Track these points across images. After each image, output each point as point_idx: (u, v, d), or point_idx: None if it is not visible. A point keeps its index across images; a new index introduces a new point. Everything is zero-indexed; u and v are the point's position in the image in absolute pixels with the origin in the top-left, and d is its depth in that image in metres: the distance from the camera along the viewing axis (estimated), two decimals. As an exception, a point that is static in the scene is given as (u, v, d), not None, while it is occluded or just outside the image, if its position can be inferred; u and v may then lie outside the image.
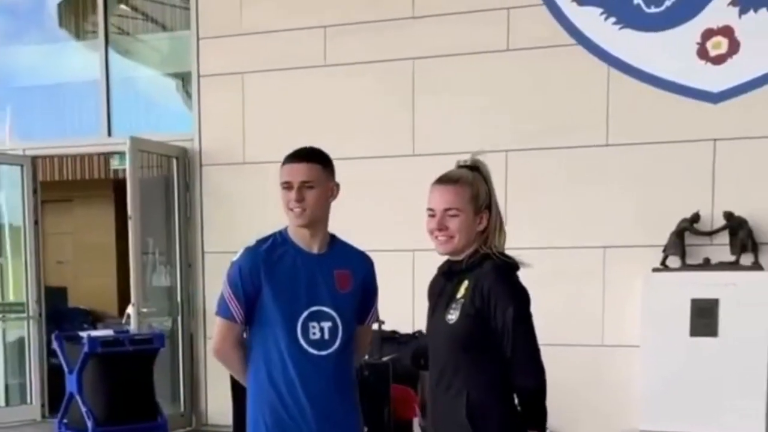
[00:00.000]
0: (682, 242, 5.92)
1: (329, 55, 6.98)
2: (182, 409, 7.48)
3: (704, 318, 5.75)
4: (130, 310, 7.17)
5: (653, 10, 6.20)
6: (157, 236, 7.50)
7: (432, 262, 6.31)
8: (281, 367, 3.59)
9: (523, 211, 6.34)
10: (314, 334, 3.59)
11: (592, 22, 6.34)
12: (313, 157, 3.60)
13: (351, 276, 3.65)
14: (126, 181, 7.11)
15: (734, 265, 5.82)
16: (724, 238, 5.90)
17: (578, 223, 6.21)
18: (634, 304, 5.97)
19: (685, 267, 5.90)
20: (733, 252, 5.85)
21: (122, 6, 8.24)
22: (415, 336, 6.43)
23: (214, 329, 3.69)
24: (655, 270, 5.96)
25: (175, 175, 7.44)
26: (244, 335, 3.67)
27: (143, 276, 7.23)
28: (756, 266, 5.77)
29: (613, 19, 6.30)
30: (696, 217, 5.92)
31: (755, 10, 5.97)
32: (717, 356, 5.72)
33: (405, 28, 6.77)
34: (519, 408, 3.19)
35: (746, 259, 5.82)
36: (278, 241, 3.63)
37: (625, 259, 6.15)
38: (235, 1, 7.23)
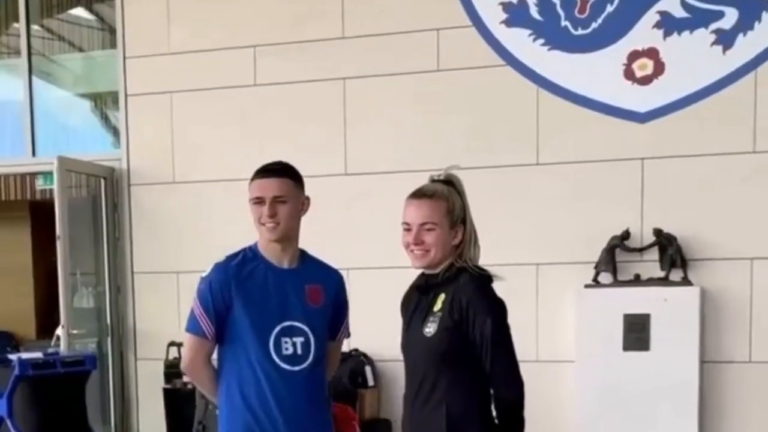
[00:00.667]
0: (613, 259, 6.07)
1: (259, 74, 6.99)
2: (113, 430, 7.40)
3: (636, 333, 5.90)
4: (59, 331, 7.09)
5: (580, 32, 6.34)
6: (81, 257, 7.44)
7: (367, 280, 6.41)
8: (254, 382, 3.62)
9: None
10: (287, 349, 3.64)
11: (521, 43, 6.46)
12: (284, 172, 3.66)
13: (322, 291, 3.71)
14: (45, 201, 7.05)
15: (664, 281, 5.98)
16: (654, 254, 6.05)
17: (511, 241, 6.31)
18: (568, 319, 6.10)
19: (617, 283, 6.04)
20: (662, 268, 6.01)
21: (35, 27, 8.15)
22: (352, 354, 6.48)
23: (183, 346, 3.68)
24: (587, 286, 6.10)
25: (102, 195, 7.37)
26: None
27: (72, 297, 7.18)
28: (685, 282, 5.93)
29: (541, 41, 6.42)
30: (626, 234, 6.06)
31: (679, 33, 6.14)
32: (649, 369, 5.87)
33: (335, 48, 6.81)
34: (496, 420, 3.26)
35: (676, 274, 5.98)
36: (248, 256, 3.67)
37: (558, 275, 6.27)
38: (163, 20, 7.19)
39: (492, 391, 3.30)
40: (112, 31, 7.65)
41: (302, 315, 3.67)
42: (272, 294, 3.63)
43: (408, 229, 3.40)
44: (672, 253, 5.97)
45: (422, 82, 6.63)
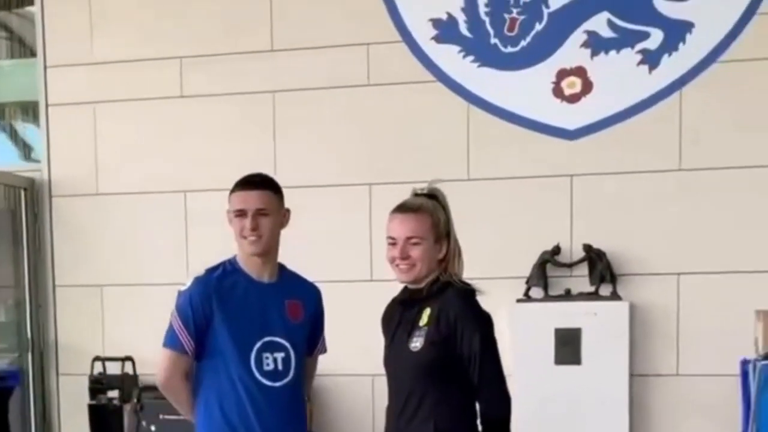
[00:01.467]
0: (545, 274, 6.18)
1: (185, 86, 6.94)
2: (35, 447, 7.29)
3: (567, 347, 6.02)
4: (-20, 347, 6.96)
5: (510, 49, 6.44)
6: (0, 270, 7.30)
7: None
8: (234, 398, 3.60)
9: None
10: (268, 365, 3.63)
11: (451, 59, 6.53)
12: (266, 184, 3.66)
13: (302, 306, 3.71)
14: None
15: (594, 296, 6.11)
16: (584, 269, 6.18)
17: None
18: (502, 334, 6.18)
19: (548, 298, 6.16)
20: (592, 283, 6.14)
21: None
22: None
23: (160, 362, 3.64)
24: (519, 301, 6.20)
25: (23, 207, 7.23)
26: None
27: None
28: (615, 296, 6.08)
29: (471, 57, 6.50)
30: (557, 250, 6.18)
31: (606, 52, 6.28)
32: (581, 383, 6.00)
33: (264, 60, 6.80)
34: None
35: (605, 289, 6.12)
36: (228, 270, 3.65)
37: (491, 290, 6.31)
38: (85, 29, 7.08)
39: (478, 407, 3.35)
40: (20, 40, 7.52)
41: (283, 330, 3.66)
42: (253, 308, 3.62)
43: (393, 244, 3.43)
44: (601, 269, 6.10)
45: (353, 96, 6.65)
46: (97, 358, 6.88)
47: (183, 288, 3.65)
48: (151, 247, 7.00)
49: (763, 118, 6.02)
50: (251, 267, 3.67)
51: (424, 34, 6.57)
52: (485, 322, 3.39)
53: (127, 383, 6.73)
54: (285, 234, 6.66)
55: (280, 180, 6.78)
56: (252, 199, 3.66)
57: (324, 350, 3.95)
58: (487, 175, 6.43)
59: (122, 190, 7.07)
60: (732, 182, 6.03)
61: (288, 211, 3.75)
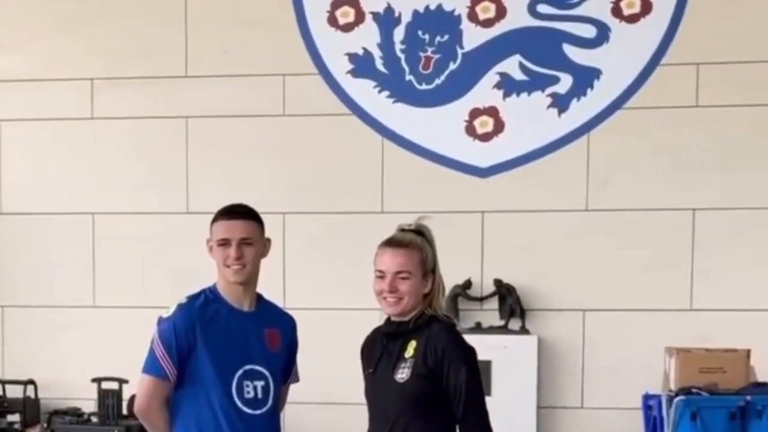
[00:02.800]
0: (456, 307, 6.36)
1: (96, 108, 6.89)
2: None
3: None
4: None
5: (424, 87, 6.62)
6: None
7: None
8: (215, 426, 3.64)
9: (300, 272, 6.62)
10: (248, 393, 3.68)
11: (366, 94, 6.67)
12: (250, 214, 3.73)
13: (280, 335, 3.78)
14: None
15: (504, 329, 6.33)
16: (494, 303, 6.40)
17: (355, 287, 6.47)
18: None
19: (459, 330, 6.33)
20: (502, 317, 6.37)
21: None
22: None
23: (138, 389, 3.66)
24: (431, 333, 6.35)
25: None
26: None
27: None
28: (524, 330, 6.31)
29: (386, 93, 6.66)
30: (468, 284, 6.38)
31: (517, 94, 6.52)
32: (491, 414, 6.16)
33: (178, 85, 6.81)
34: None
35: (515, 323, 6.35)
36: (210, 298, 3.69)
37: (403, 322, 6.50)
38: (-8, 46, 7.00)
39: None
40: None
41: (263, 359, 3.72)
42: (234, 337, 3.66)
43: (381, 277, 3.53)
44: (511, 303, 6.33)
45: (267, 125, 6.72)
46: (-4, 381, 6.78)
47: (166, 315, 3.67)
48: (56, 269, 6.92)
49: (665, 163, 6.34)
50: (232, 296, 3.72)
51: (339, 68, 6.71)
52: (471, 354, 3.52)
53: (30, 407, 6.63)
54: (195, 259, 6.76)
55: (194, 205, 6.90)
56: (236, 228, 3.72)
57: (297, 379, 4.03)
58: (400, 208, 6.54)
59: (27, 210, 6.97)
60: (636, 224, 6.33)
61: (269, 240, 3.83)
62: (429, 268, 3.55)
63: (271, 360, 3.76)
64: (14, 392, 6.74)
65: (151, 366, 3.65)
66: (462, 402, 3.43)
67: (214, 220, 3.79)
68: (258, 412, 3.71)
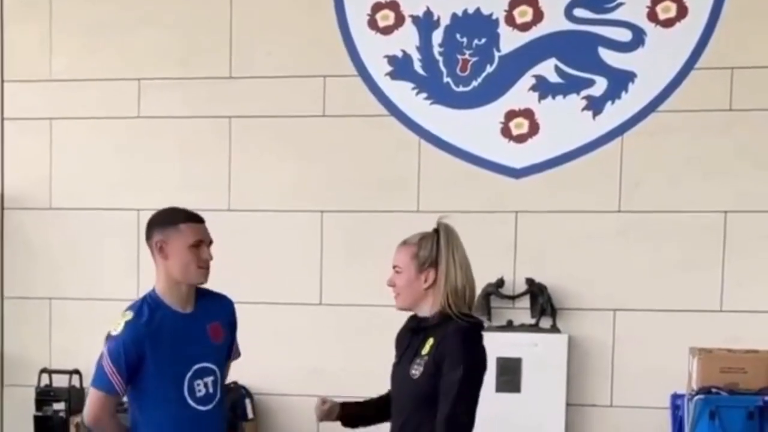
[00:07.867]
0: (488, 305, 6.47)
1: (143, 107, 7.09)
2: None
3: (508, 375, 6.32)
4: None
5: (461, 89, 6.73)
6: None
7: (247, 315, 6.44)
8: (171, 427, 3.74)
9: (337, 269, 6.77)
10: (200, 391, 3.78)
11: (405, 96, 6.80)
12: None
13: (221, 326, 3.88)
14: None
15: (535, 327, 6.43)
16: (526, 302, 6.49)
17: (390, 284, 6.62)
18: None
19: (491, 328, 6.42)
20: (533, 315, 6.46)
21: None
22: (232, 387, 6.64)
23: (88, 401, 3.78)
24: (463, 330, 6.46)
25: (-26, 218, 7.31)
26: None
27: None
28: (554, 329, 6.40)
29: (424, 95, 6.78)
30: (500, 282, 6.48)
31: (553, 97, 6.61)
32: (520, 410, 6.29)
33: (222, 86, 6.99)
34: None
35: (545, 322, 6.44)
36: (153, 307, 3.76)
37: (437, 319, 6.61)
38: (45, 46, 7.20)
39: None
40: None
41: (210, 354, 3.79)
42: (181, 340, 3.71)
43: None
44: (543, 302, 6.42)
45: (308, 126, 6.87)
46: (44, 370, 6.99)
47: (114, 332, 3.71)
48: (102, 263, 7.14)
49: (697, 166, 6.39)
50: (175, 299, 3.77)
51: (379, 70, 6.84)
52: (473, 358, 3.46)
53: (74, 396, 6.84)
54: (237, 255, 6.94)
55: (235, 203, 7.07)
56: (205, 231, 3.85)
57: (238, 355, 4.08)
58: (436, 208, 6.65)
59: (76, 205, 7.19)
60: (667, 225, 6.39)
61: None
62: (425, 263, 3.61)
63: (216, 353, 3.83)
64: (60, 381, 6.98)
65: (101, 381, 3.70)
66: (448, 396, 3.40)
67: (176, 222, 3.82)
68: (210, 406, 3.78)
